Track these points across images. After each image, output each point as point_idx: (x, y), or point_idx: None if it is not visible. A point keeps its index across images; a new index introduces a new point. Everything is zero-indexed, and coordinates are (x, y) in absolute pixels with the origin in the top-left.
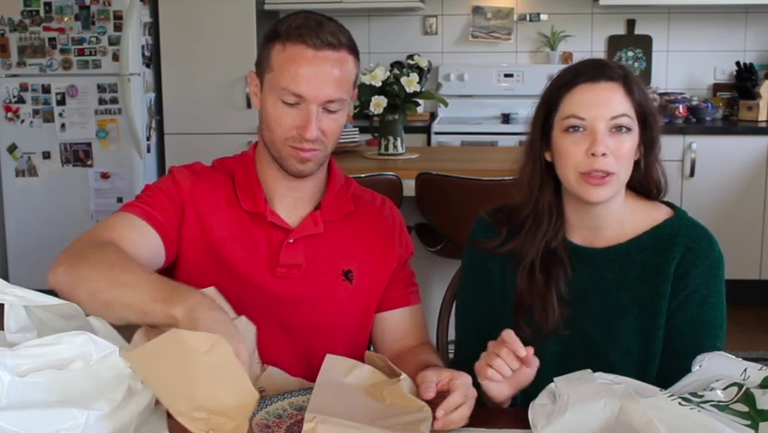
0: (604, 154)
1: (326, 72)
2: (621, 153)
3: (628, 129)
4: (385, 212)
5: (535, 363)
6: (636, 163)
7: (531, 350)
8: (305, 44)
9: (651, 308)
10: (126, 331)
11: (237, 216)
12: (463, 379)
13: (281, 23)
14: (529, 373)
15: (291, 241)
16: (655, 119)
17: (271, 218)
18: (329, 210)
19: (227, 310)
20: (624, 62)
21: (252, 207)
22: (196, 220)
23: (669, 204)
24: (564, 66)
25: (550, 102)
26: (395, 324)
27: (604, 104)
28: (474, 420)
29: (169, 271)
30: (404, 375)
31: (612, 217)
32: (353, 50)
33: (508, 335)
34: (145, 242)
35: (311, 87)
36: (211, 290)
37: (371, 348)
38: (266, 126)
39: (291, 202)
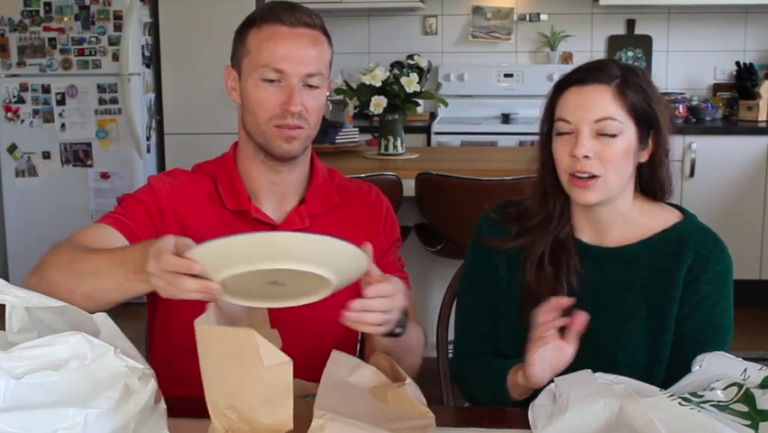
0: (586, 157)
1: (304, 48)
2: (606, 157)
3: (615, 133)
4: (372, 198)
5: (575, 341)
6: (642, 165)
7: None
8: (281, 22)
9: (660, 311)
10: (131, 331)
11: (221, 217)
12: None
13: (253, 13)
14: (568, 352)
15: None
16: (659, 123)
17: (256, 215)
18: (313, 203)
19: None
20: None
21: (236, 205)
22: (176, 224)
23: (679, 207)
24: (564, 66)
25: (550, 104)
26: None
27: (588, 107)
28: (474, 420)
29: None
30: (409, 380)
31: (618, 218)
32: (327, 34)
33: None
34: (111, 244)
35: (290, 61)
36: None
37: (359, 336)
38: (249, 112)
39: (276, 197)
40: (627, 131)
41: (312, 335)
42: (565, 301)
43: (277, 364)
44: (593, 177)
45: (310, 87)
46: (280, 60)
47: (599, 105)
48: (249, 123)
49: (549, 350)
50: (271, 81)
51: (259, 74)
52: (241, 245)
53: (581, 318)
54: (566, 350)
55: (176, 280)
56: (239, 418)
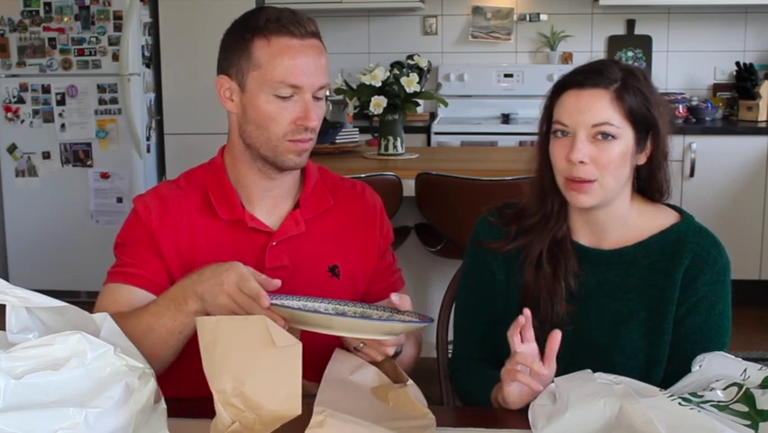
0: (582, 162)
1: (315, 60)
2: (602, 162)
3: (612, 137)
4: (366, 198)
5: (553, 365)
6: (641, 167)
7: (557, 334)
8: (291, 35)
9: (657, 313)
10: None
11: (215, 229)
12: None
13: (250, 19)
14: (548, 377)
15: (274, 244)
16: (657, 126)
17: (252, 224)
18: (308, 208)
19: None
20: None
21: (230, 215)
22: (173, 245)
23: (676, 208)
24: (564, 66)
25: (548, 104)
26: None
27: (586, 111)
28: (474, 421)
29: None
30: (411, 381)
31: (615, 221)
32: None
33: (525, 315)
34: (134, 304)
35: (306, 76)
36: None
37: None
38: (257, 126)
39: (270, 202)
40: (624, 135)
41: (313, 337)
42: (527, 314)
43: (290, 345)
44: (588, 181)
45: (317, 98)
46: (296, 76)
47: (596, 109)
48: (256, 136)
49: (526, 376)
50: (285, 97)
51: (272, 90)
52: (311, 321)
53: (556, 337)
54: (543, 375)
55: (248, 304)
56: (246, 406)
